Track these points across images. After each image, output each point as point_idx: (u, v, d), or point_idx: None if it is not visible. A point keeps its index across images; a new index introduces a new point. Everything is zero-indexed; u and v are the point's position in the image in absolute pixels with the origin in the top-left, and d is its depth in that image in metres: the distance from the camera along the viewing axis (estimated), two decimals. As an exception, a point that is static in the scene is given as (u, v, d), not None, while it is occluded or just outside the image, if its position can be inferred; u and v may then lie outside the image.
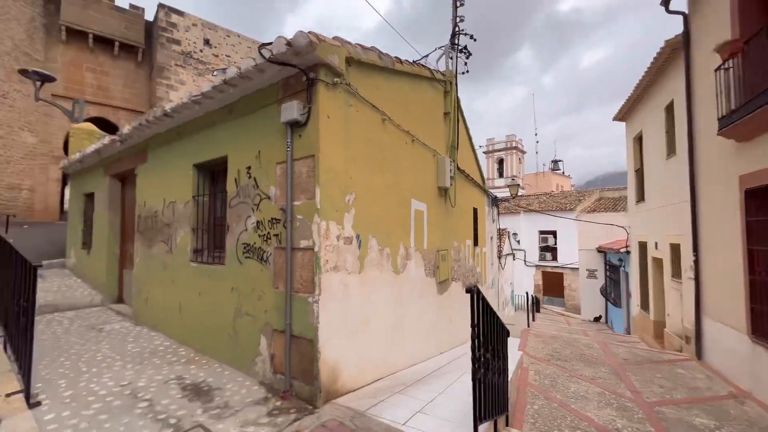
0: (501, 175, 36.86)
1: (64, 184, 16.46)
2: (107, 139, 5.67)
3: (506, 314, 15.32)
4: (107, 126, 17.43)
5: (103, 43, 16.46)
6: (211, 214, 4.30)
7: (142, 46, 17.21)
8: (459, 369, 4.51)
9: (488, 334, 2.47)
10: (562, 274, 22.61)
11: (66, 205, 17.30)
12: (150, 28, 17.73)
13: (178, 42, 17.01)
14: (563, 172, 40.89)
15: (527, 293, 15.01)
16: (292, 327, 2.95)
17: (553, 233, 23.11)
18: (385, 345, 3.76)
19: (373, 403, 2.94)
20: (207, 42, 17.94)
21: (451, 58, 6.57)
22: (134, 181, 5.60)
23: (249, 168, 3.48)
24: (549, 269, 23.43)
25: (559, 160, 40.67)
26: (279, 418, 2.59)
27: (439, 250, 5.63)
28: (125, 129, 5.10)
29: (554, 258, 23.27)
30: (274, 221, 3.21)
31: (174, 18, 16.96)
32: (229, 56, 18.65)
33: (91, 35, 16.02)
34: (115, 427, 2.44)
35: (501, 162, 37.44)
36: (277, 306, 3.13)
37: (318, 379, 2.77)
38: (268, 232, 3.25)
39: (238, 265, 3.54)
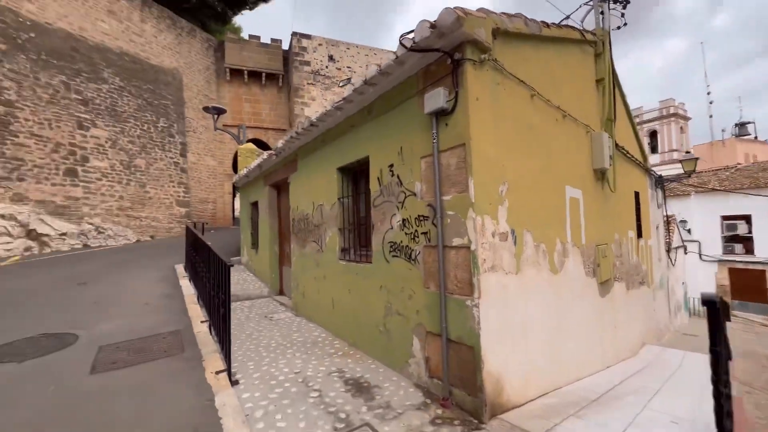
0: (654, 150, 30.15)
1: (233, 196, 20.34)
2: (266, 154, 6.59)
3: (679, 322, 12.33)
4: (261, 145, 20.82)
5: (254, 76, 19.69)
6: (355, 214, 4.49)
7: (281, 73, 19.98)
8: (640, 393, 3.65)
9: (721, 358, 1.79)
10: (763, 271, 17.11)
11: (236, 213, 21.36)
12: (286, 56, 20.43)
13: (308, 63, 19.14)
14: (756, 137, 30.96)
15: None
16: (448, 331, 2.76)
17: (746, 218, 17.65)
18: (545, 355, 3.26)
19: (548, 426, 2.51)
20: (331, 58, 19.68)
21: (602, 13, 5.45)
22: (287, 188, 6.36)
23: (391, 166, 3.44)
24: (740, 265, 18.02)
25: (748, 123, 30.94)
26: (443, 429, 2.42)
27: (599, 244, 4.72)
28: (279, 143, 5.81)
29: (748, 251, 17.78)
30: (421, 218, 3.08)
31: (304, 42, 19.13)
32: (350, 67, 20.07)
33: (245, 71, 19.36)
34: (295, 413, 2.66)
35: (653, 135, 30.63)
36: (429, 306, 2.99)
37: (482, 391, 2.51)
38: (416, 230, 3.13)
39: (385, 264, 3.55)
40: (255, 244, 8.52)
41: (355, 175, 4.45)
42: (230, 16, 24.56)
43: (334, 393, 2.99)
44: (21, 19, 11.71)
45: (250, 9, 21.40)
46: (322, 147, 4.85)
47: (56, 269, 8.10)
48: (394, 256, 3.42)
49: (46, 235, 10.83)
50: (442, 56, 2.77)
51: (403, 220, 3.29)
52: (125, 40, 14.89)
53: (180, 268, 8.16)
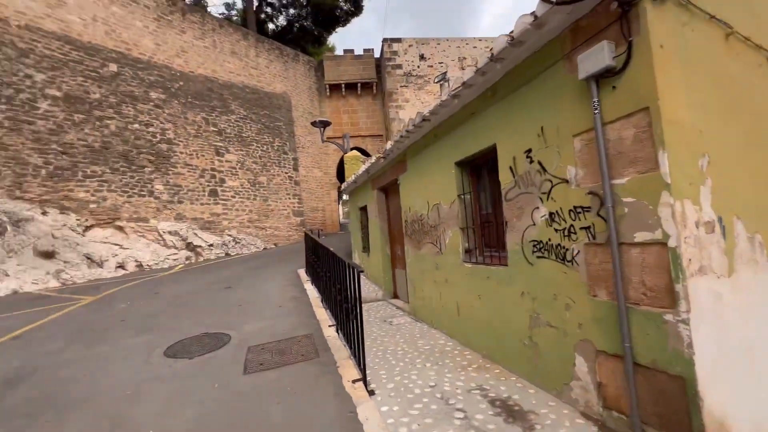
0: None
1: (339, 203, 21.60)
2: (373, 158, 6.62)
3: None
4: (360, 152, 21.73)
5: (350, 88, 20.72)
6: (477, 211, 4.06)
7: (375, 80, 20.60)
8: None
9: None
10: None
11: (342, 219, 22.68)
12: (378, 63, 20.99)
13: (399, 66, 19.31)
14: None
15: None
16: (634, 353, 2.14)
17: None
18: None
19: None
20: (422, 57, 19.50)
21: None
22: (397, 190, 6.25)
23: (528, 151, 2.93)
24: None
25: None
26: (647, 484, 1.84)
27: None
28: (387, 145, 5.72)
29: None
30: (578, 210, 2.50)
31: (395, 46, 19.37)
32: (441, 63, 19.59)
33: (343, 85, 20.50)
34: (444, 437, 2.37)
35: None
36: (599, 320, 2.39)
37: (703, 439, 1.84)
38: (570, 225, 2.57)
39: (526, 266, 3.04)
40: (366, 248, 8.71)
41: (477, 168, 4.02)
42: (325, 37, 26.48)
43: (482, 416, 2.61)
44: (173, 72, 14.40)
45: (343, 25, 22.72)
46: (435, 143, 4.55)
47: (207, 275, 9.57)
48: (539, 257, 2.89)
49: (199, 246, 13.01)
50: (602, 2, 2.18)
51: (551, 213, 2.75)
52: (245, 75, 17.15)
53: (302, 273, 8.82)
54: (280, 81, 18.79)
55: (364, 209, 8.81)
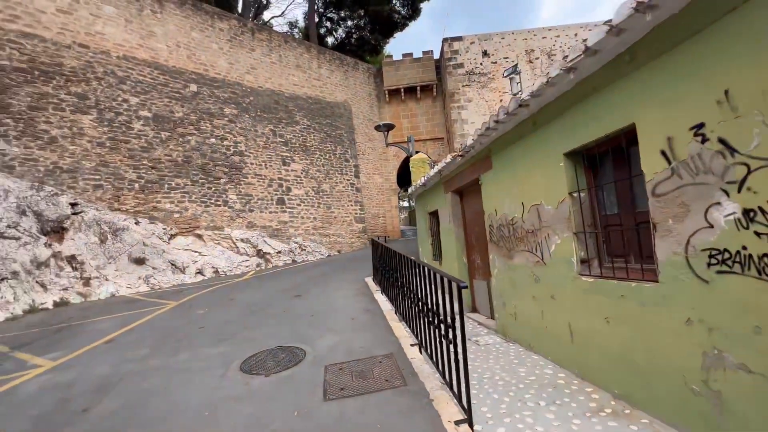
0: None
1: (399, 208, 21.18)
2: (448, 157, 6.03)
3: None
4: (420, 157, 21.19)
5: (409, 92, 20.38)
6: (596, 212, 3.28)
7: (434, 82, 20.03)
8: None
9: None
10: None
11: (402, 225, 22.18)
12: (438, 65, 20.40)
13: (461, 65, 18.52)
14: None
15: None
16: None
17: None
18: None
19: None
20: (485, 53, 18.52)
21: None
22: (477, 191, 5.59)
23: (698, 127, 2.14)
24: None
25: None
26: None
27: None
28: (468, 141, 5.11)
29: None
30: (811, 204, 1.68)
31: (455, 45, 18.65)
32: (506, 58, 18.43)
33: (402, 89, 20.24)
34: None
35: None
36: None
37: None
38: (792, 227, 1.75)
39: (696, 284, 2.23)
40: (437, 255, 8.10)
41: (594, 159, 3.25)
42: (383, 45, 26.59)
43: (653, 495, 1.87)
44: (244, 88, 15.23)
45: (401, 30, 22.58)
46: (534, 132, 3.84)
47: (277, 282, 9.66)
48: (722, 272, 2.08)
49: (268, 253, 13.40)
50: None
51: (747, 211, 1.94)
52: (308, 86, 17.65)
53: (370, 282, 8.46)
54: (340, 90, 19.07)
55: (434, 214, 8.23)
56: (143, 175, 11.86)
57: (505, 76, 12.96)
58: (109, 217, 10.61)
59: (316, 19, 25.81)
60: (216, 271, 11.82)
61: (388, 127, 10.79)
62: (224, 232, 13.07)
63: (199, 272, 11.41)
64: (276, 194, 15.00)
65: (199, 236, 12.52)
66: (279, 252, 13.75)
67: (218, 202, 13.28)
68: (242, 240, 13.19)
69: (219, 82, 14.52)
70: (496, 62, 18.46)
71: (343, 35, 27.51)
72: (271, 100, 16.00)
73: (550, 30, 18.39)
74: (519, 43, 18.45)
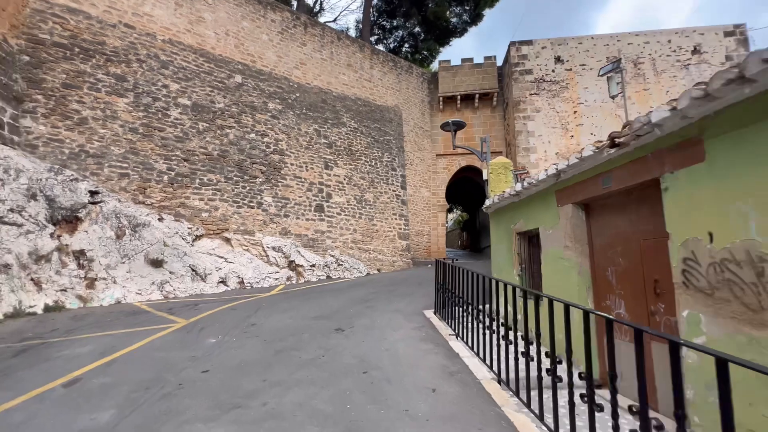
0: None
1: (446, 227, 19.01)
2: (588, 150, 3.97)
3: None
4: (475, 171, 19.13)
5: (466, 100, 18.54)
6: None
7: (496, 90, 18.07)
8: None
9: None
10: None
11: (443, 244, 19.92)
12: (500, 72, 18.48)
13: (530, 71, 16.49)
14: None
15: None
16: None
17: None
18: None
19: None
20: (558, 59, 16.40)
21: None
22: (645, 202, 3.50)
23: None
24: None
25: None
26: None
27: None
28: (654, 117, 3.05)
29: None
30: None
31: (524, 50, 16.70)
32: (583, 65, 16.18)
33: (458, 97, 18.44)
34: None
35: None
36: None
37: None
38: None
39: None
40: (530, 295, 5.92)
41: None
42: (436, 53, 25.13)
43: None
44: (291, 84, 14.03)
45: (459, 36, 21.01)
46: None
47: (310, 303, 7.81)
48: None
49: (301, 265, 11.70)
50: None
51: None
52: (358, 87, 16.27)
53: (432, 317, 6.40)
54: (392, 94, 17.57)
55: (528, 236, 6.12)
56: (174, 166, 10.66)
57: (602, 75, 10.77)
58: (131, 210, 9.35)
59: (369, 27, 24.90)
60: (241, 282, 10.22)
61: (458, 126, 8.91)
62: (255, 237, 11.56)
63: (222, 282, 9.85)
64: (315, 200, 13.43)
65: (227, 240, 11.06)
66: (313, 265, 12.02)
67: (252, 204, 11.85)
68: (274, 248, 11.60)
69: (265, 75, 13.39)
70: (570, 69, 16.26)
71: (396, 44, 26.40)
72: (319, 98, 14.69)
73: (637, 35, 16.02)
74: (600, 49, 16.19)
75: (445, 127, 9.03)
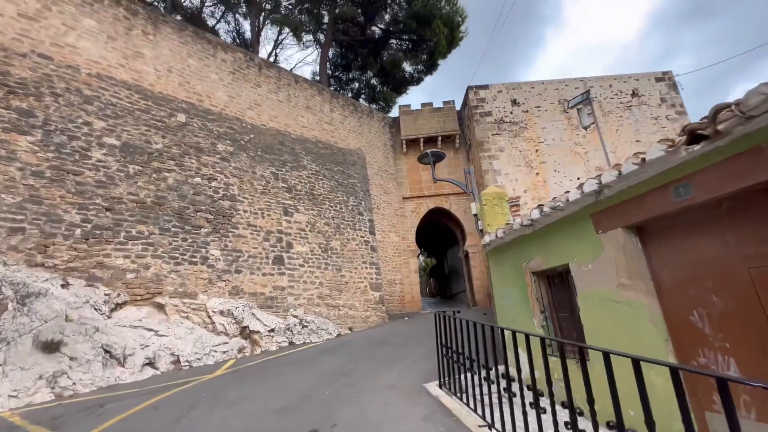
0: None
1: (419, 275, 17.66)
2: (659, 148, 2.96)
3: None
4: (442, 212, 18.40)
5: (429, 142, 18.32)
6: None
7: (457, 132, 18.11)
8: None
9: None
10: None
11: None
12: (460, 116, 18.73)
13: (489, 113, 16.73)
14: None
15: None
16: None
17: None
18: None
19: None
20: (514, 102, 16.89)
21: None
22: (741, 214, 2.47)
23: None
24: None
25: None
26: None
27: None
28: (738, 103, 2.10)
29: None
30: None
31: (481, 93, 17.08)
32: (538, 107, 16.76)
33: (421, 140, 18.20)
34: None
35: None
36: None
37: None
38: None
39: None
40: (558, 347, 4.60)
41: None
42: (393, 102, 25.58)
43: None
44: (244, 125, 12.77)
45: (416, 84, 21.48)
46: None
47: (269, 388, 5.85)
48: None
49: (257, 332, 9.56)
50: None
51: None
52: (319, 129, 15.40)
53: (441, 394, 4.78)
54: (354, 137, 16.88)
55: (545, 276, 4.95)
56: (92, 217, 8.54)
57: (571, 107, 10.74)
58: (20, 275, 7.03)
59: (329, 73, 25.01)
60: (176, 361, 7.89)
61: (437, 158, 7.99)
62: (197, 300, 9.37)
63: (150, 363, 7.49)
64: (273, 251, 11.61)
65: (160, 306, 8.79)
66: (272, 330, 9.91)
67: (194, 259, 9.80)
68: (222, 312, 9.44)
69: (214, 114, 12.05)
70: (527, 111, 16.74)
71: (352, 94, 26.62)
72: (276, 140, 13.48)
73: (582, 80, 17.09)
74: (551, 93, 16.98)
75: (423, 159, 8.11)
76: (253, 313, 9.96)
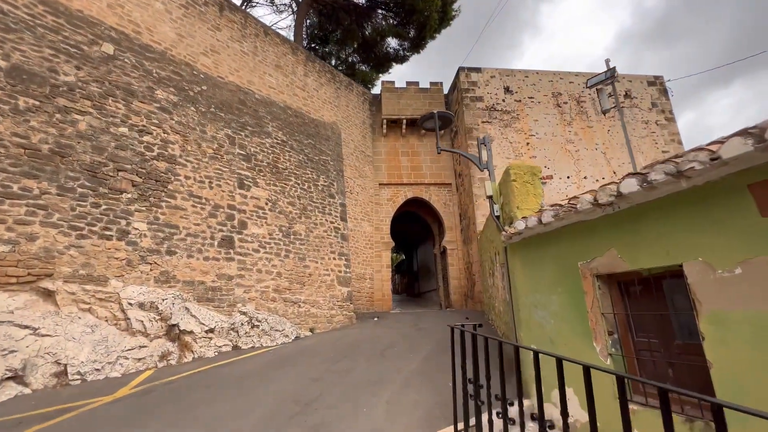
0: None
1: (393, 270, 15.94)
2: None
3: None
4: (422, 204, 16.81)
5: (412, 125, 16.63)
6: None
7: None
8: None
9: None
10: None
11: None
12: (447, 100, 17.22)
13: (480, 98, 15.32)
14: None
15: None
16: None
17: None
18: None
19: None
20: (507, 89, 15.60)
21: None
22: None
23: None
24: None
25: None
26: None
27: None
28: None
29: None
30: None
31: (473, 76, 15.63)
32: (532, 97, 15.59)
33: (404, 121, 16.45)
34: None
35: None
36: None
37: None
38: None
39: None
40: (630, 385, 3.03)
41: None
42: (375, 80, 23.61)
43: None
44: (195, 72, 10.28)
45: (401, 62, 19.68)
46: None
47: (189, 419, 3.82)
48: None
49: (189, 332, 7.34)
50: None
51: None
52: (289, 93, 13.13)
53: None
54: (329, 109, 14.76)
55: (615, 281, 3.36)
56: (-54, 161, 5.90)
57: (591, 86, 9.44)
58: None
59: (305, 39, 22.45)
60: (62, 373, 5.56)
61: (445, 123, 6.26)
62: (107, 288, 6.98)
63: (15, 377, 5.11)
64: (222, 230, 9.33)
65: (48, 294, 6.33)
66: (211, 330, 7.73)
67: (108, 232, 7.35)
68: (142, 305, 7.12)
69: (156, 53, 9.48)
70: (520, 101, 15.52)
71: (333, 63, 24.28)
72: (235, 97, 11.10)
73: (577, 75, 16.17)
74: (545, 84, 15.88)
75: (426, 122, 6.35)
76: (186, 308, 7.71)
